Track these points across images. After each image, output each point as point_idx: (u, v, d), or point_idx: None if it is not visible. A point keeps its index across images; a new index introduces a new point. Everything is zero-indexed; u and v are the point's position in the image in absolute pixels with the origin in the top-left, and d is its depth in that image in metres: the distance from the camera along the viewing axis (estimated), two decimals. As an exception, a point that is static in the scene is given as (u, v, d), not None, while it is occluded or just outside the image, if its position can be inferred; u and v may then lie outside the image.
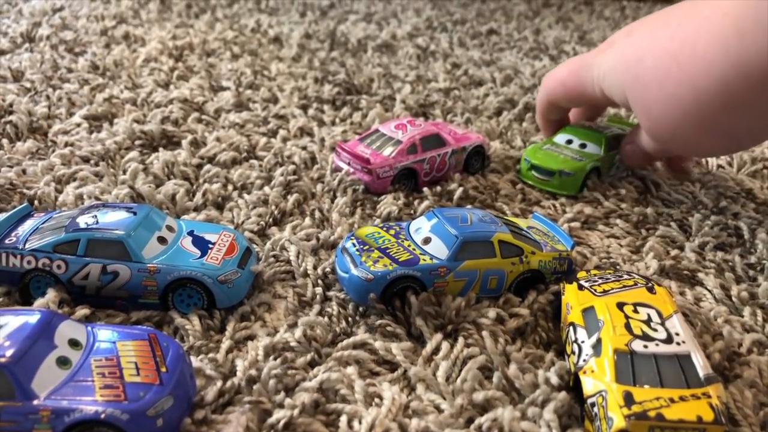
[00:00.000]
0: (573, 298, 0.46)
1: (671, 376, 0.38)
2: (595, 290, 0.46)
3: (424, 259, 0.48)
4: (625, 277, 0.48)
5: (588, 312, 0.44)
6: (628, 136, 0.72)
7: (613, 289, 0.46)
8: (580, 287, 0.47)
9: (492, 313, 0.47)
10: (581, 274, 0.50)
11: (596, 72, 0.65)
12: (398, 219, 0.63)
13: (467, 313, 0.47)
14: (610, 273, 0.49)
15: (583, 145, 0.74)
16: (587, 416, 0.38)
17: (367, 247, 0.50)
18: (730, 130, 0.56)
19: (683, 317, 0.43)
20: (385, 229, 0.53)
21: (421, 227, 0.52)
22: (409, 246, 0.50)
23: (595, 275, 0.49)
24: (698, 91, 0.54)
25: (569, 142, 0.75)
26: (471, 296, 0.48)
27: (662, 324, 0.41)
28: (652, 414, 0.35)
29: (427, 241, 0.50)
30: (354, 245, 0.50)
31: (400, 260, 0.48)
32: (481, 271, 0.49)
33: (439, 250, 0.49)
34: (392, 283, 0.47)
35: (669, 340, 0.40)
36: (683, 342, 0.40)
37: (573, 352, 0.42)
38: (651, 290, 0.45)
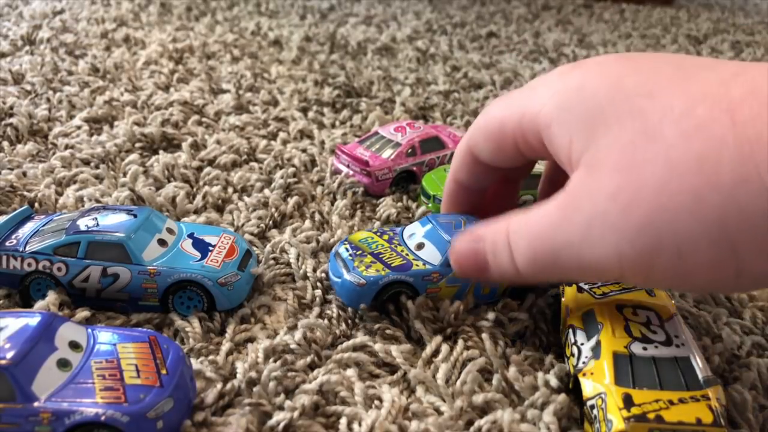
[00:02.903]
0: (572, 301, 0.46)
1: (670, 379, 0.38)
2: (595, 293, 0.46)
3: (417, 265, 0.48)
4: None
5: (587, 314, 0.44)
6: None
7: (612, 291, 0.46)
8: (580, 289, 0.47)
9: (491, 315, 0.47)
10: None
11: (538, 96, 0.40)
12: (397, 221, 0.63)
13: (465, 317, 0.47)
14: None
15: None
16: (586, 418, 0.38)
17: (360, 252, 0.50)
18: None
19: (683, 319, 0.43)
20: (378, 234, 0.53)
21: (415, 233, 0.51)
22: (402, 251, 0.50)
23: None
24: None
25: None
26: (469, 300, 0.48)
27: (661, 326, 0.41)
28: (651, 416, 0.35)
29: (420, 246, 0.50)
30: (347, 250, 0.50)
31: (392, 265, 0.48)
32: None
33: (432, 255, 0.49)
34: (384, 288, 0.47)
35: (668, 342, 0.40)
36: (683, 344, 0.40)
37: (572, 355, 0.42)
38: (650, 293, 0.45)
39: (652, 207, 0.33)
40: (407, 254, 0.49)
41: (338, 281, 0.48)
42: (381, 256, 0.49)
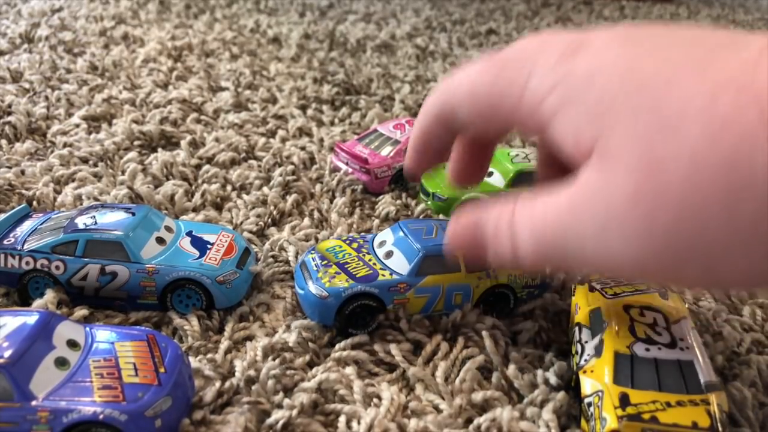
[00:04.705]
0: (582, 299, 0.46)
1: (671, 381, 0.37)
2: (606, 292, 0.46)
3: (383, 275, 0.46)
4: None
5: (594, 313, 0.44)
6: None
7: (624, 292, 0.45)
8: (591, 288, 0.47)
9: (489, 320, 0.46)
10: (594, 276, 0.49)
11: (538, 79, 0.35)
12: (396, 219, 0.62)
13: (466, 322, 0.47)
14: None
15: (490, 173, 0.63)
16: (583, 416, 0.38)
17: (325, 262, 0.48)
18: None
19: (692, 323, 0.43)
20: (347, 242, 0.51)
21: (386, 240, 0.49)
22: (369, 260, 0.48)
23: (608, 278, 0.49)
24: None
25: None
26: (467, 308, 0.47)
27: (667, 328, 0.41)
28: (646, 416, 0.35)
29: (389, 255, 0.48)
30: (313, 260, 0.48)
31: (357, 276, 0.46)
32: (444, 287, 0.47)
33: (400, 264, 0.47)
34: (348, 300, 0.45)
35: (673, 344, 0.40)
36: (687, 348, 0.39)
37: (576, 353, 0.42)
38: (664, 295, 0.45)
39: (679, 213, 0.30)
40: (374, 263, 0.47)
41: (302, 293, 0.46)
42: (347, 266, 0.47)
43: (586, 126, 0.33)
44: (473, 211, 0.39)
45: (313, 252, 0.50)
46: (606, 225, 0.32)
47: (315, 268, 0.47)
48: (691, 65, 0.31)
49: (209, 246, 0.49)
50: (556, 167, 0.44)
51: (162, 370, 0.37)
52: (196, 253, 0.48)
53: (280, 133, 0.81)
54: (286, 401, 0.39)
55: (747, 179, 0.28)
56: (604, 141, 0.32)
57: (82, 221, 0.47)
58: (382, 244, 0.49)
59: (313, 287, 0.45)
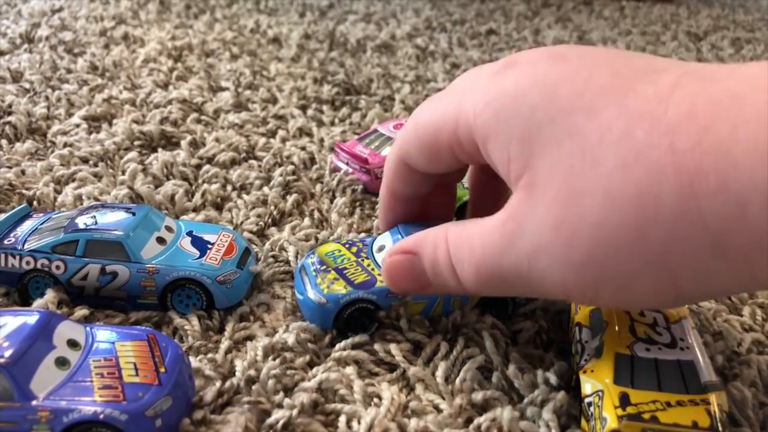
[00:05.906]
0: None
1: (671, 381, 0.37)
2: None
3: (381, 281, 0.45)
4: None
5: (594, 313, 0.44)
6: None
7: None
8: None
9: (489, 319, 0.47)
10: None
11: (472, 98, 0.37)
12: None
13: (466, 322, 0.47)
14: None
15: None
16: (584, 415, 0.38)
17: (324, 267, 0.47)
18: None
19: (692, 323, 0.43)
20: (347, 246, 0.50)
21: (385, 245, 0.49)
22: (368, 265, 0.47)
23: None
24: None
25: None
26: (466, 310, 0.47)
27: (667, 328, 0.41)
28: (646, 416, 0.35)
29: None
30: (312, 264, 0.48)
31: (355, 282, 0.46)
32: None
33: None
34: (347, 306, 0.45)
35: (673, 344, 0.40)
36: (687, 348, 0.40)
37: (577, 353, 0.42)
38: None
39: (593, 242, 0.33)
40: (373, 269, 0.47)
41: (301, 298, 0.46)
42: (345, 271, 0.47)
43: (516, 154, 0.35)
44: (402, 246, 0.42)
45: (312, 256, 0.49)
46: (535, 254, 0.35)
47: (314, 273, 0.47)
48: (610, 93, 0.33)
49: (209, 246, 0.49)
50: (488, 191, 0.48)
51: (162, 369, 0.37)
52: (197, 252, 0.48)
53: (281, 133, 0.81)
54: (287, 401, 0.39)
55: (653, 212, 0.30)
56: (533, 171, 0.34)
57: (82, 221, 0.47)
58: (381, 248, 0.49)
59: (311, 293, 0.45)
